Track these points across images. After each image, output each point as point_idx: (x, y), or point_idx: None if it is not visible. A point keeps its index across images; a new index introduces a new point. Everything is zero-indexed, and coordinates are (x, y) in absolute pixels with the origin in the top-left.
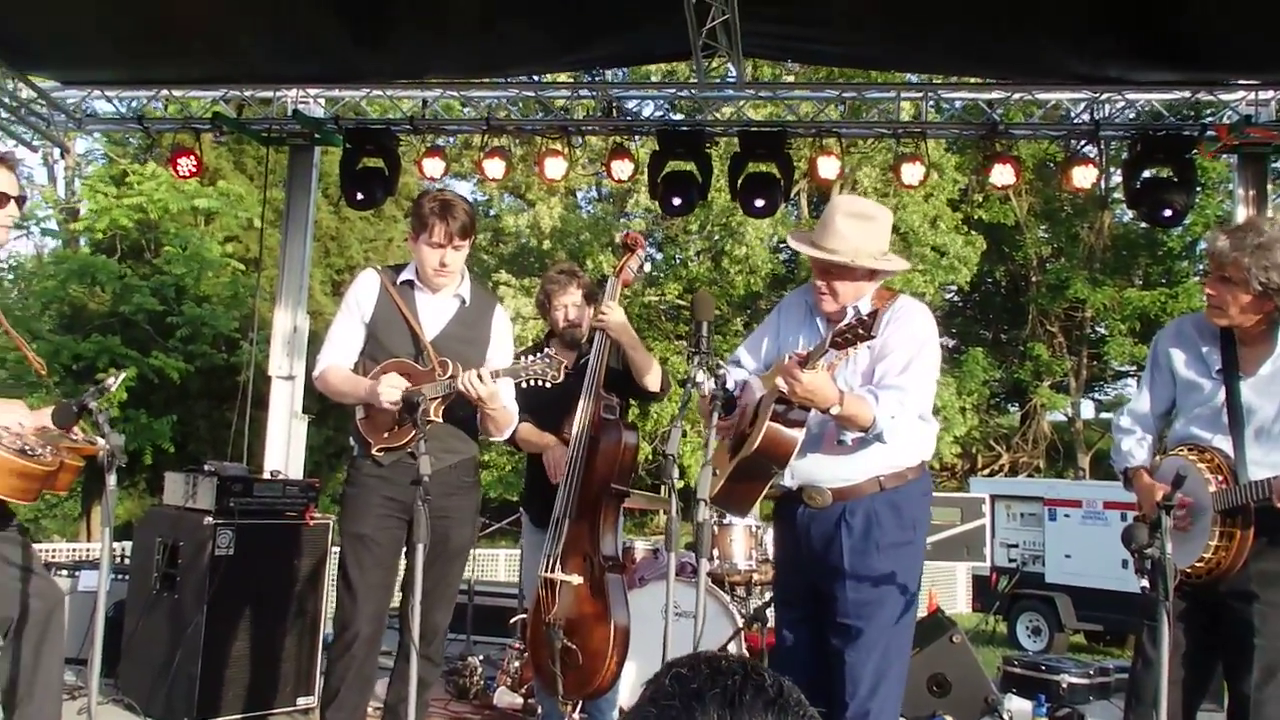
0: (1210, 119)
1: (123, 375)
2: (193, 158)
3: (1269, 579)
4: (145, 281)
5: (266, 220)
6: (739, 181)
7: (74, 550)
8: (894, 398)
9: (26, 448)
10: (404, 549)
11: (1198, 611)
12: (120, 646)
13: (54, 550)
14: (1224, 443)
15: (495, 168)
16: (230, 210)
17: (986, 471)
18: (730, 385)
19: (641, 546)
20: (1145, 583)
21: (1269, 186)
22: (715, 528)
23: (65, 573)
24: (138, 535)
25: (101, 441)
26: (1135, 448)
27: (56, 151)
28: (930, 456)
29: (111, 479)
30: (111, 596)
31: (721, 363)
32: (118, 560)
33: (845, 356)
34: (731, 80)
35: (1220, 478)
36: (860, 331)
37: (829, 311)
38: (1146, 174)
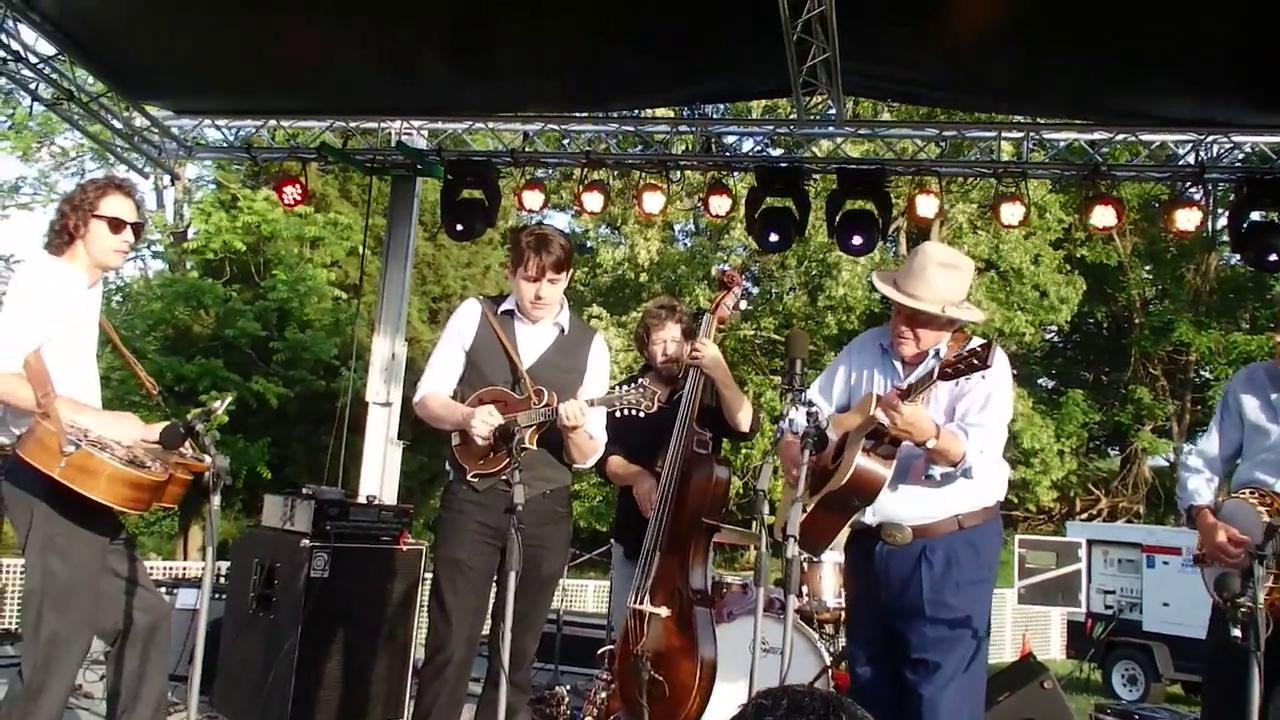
0: None
1: (228, 399)
2: (298, 186)
3: None
4: (249, 306)
5: (366, 247)
6: (837, 219)
7: (169, 569)
8: (979, 434)
9: (136, 459)
10: (496, 575)
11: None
12: (216, 664)
13: (151, 569)
14: None
15: (594, 201)
16: (336, 239)
17: (1084, 516)
18: (823, 423)
19: (731, 581)
20: (1238, 632)
21: None
22: (805, 565)
23: (164, 590)
24: (235, 556)
25: (209, 460)
26: (1202, 487)
27: (167, 178)
28: (1003, 497)
29: (216, 499)
30: (209, 615)
31: (815, 401)
32: (216, 580)
33: (931, 392)
34: (831, 117)
35: (1278, 520)
36: (975, 362)
37: (909, 356)
38: (1253, 217)
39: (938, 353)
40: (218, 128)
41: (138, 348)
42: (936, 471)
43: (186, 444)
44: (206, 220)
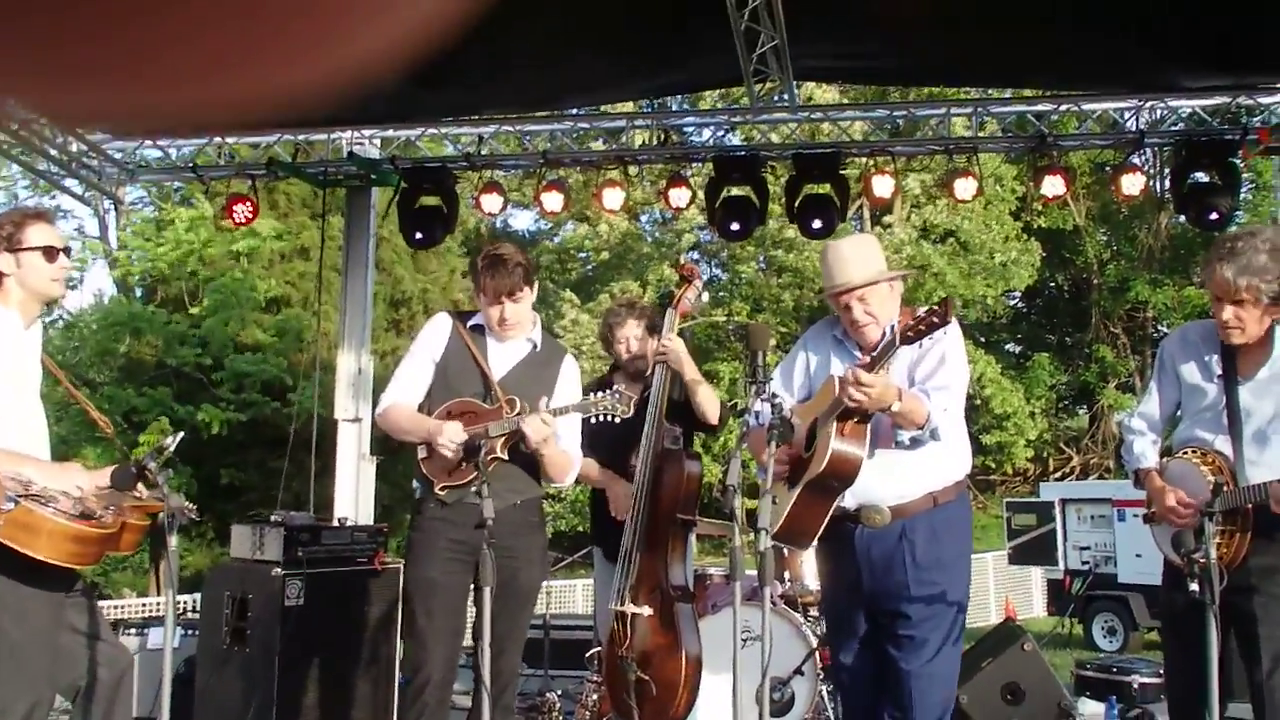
0: (1253, 121)
1: (179, 436)
2: (249, 204)
3: (1267, 572)
4: (194, 331)
5: (311, 258)
6: (796, 204)
7: (144, 605)
8: (941, 395)
9: (86, 511)
10: (471, 593)
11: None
12: (193, 704)
13: (124, 606)
14: (1225, 445)
15: (554, 201)
16: (265, 246)
17: (1058, 475)
18: (787, 413)
19: (715, 573)
20: (1194, 586)
21: None
22: (786, 550)
23: (134, 631)
24: (206, 590)
25: (165, 500)
26: (1148, 449)
27: (107, 202)
28: (970, 469)
29: (173, 540)
30: (182, 652)
31: (779, 391)
32: (187, 615)
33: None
34: (784, 104)
35: (1221, 479)
36: (935, 320)
37: (874, 337)
38: (1192, 179)
39: (893, 327)
40: (159, 147)
41: (90, 379)
42: (905, 436)
43: (139, 485)
44: (137, 244)
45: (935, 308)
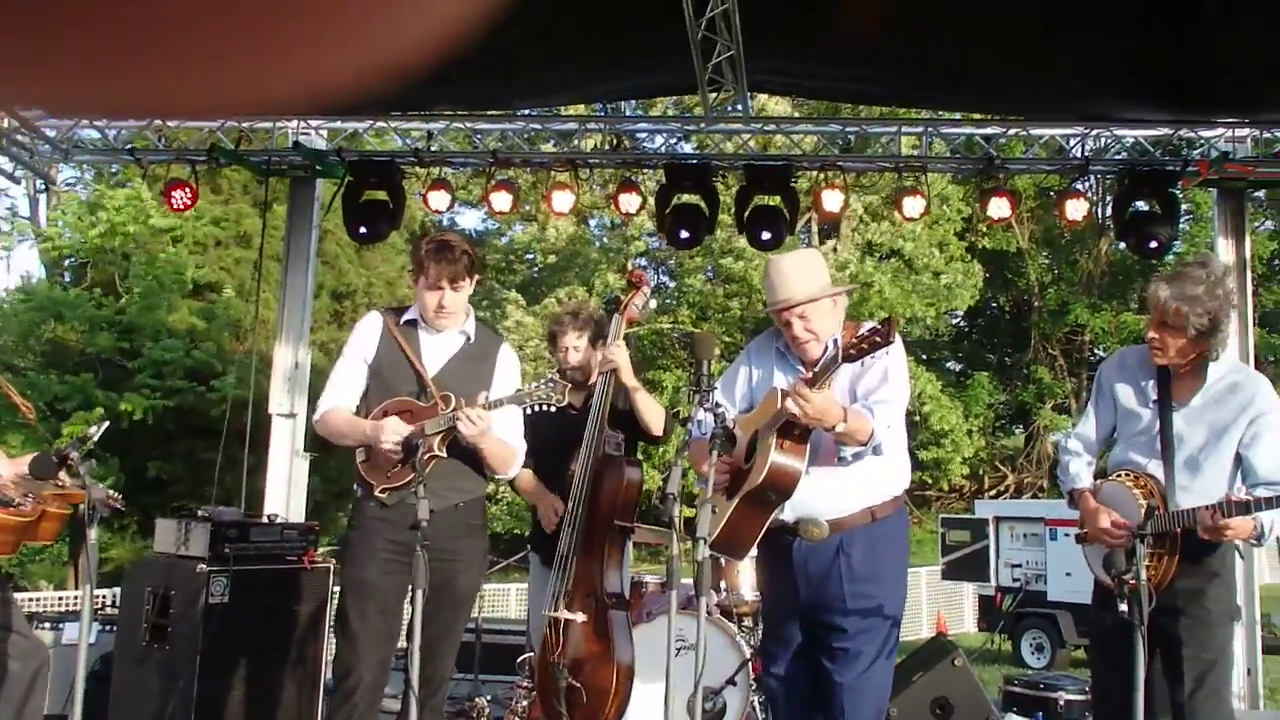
0: (1194, 153)
1: (104, 425)
2: (188, 190)
3: (1192, 595)
4: (120, 316)
5: (251, 245)
6: (745, 215)
7: (61, 599)
8: (884, 410)
9: (3, 498)
10: (407, 595)
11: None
12: (108, 703)
13: (40, 599)
14: (1157, 469)
15: (502, 200)
16: (189, 227)
17: (993, 492)
18: (729, 423)
19: (652, 580)
20: (1124, 607)
21: (1246, 218)
22: (723, 560)
23: (49, 625)
24: (126, 585)
25: (87, 490)
26: (1083, 470)
27: (39, 182)
28: (908, 485)
29: (93, 533)
30: (99, 649)
31: (721, 401)
32: (105, 610)
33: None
34: (738, 114)
35: (1152, 502)
36: (877, 340)
37: (815, 355)
38: (1133, 207)
39: (836, 342)
40: (96, 128)
41: (13, 364)
42: (848, 453)
43: (61, 474)
44: (66, 224)
45: (878, 326)
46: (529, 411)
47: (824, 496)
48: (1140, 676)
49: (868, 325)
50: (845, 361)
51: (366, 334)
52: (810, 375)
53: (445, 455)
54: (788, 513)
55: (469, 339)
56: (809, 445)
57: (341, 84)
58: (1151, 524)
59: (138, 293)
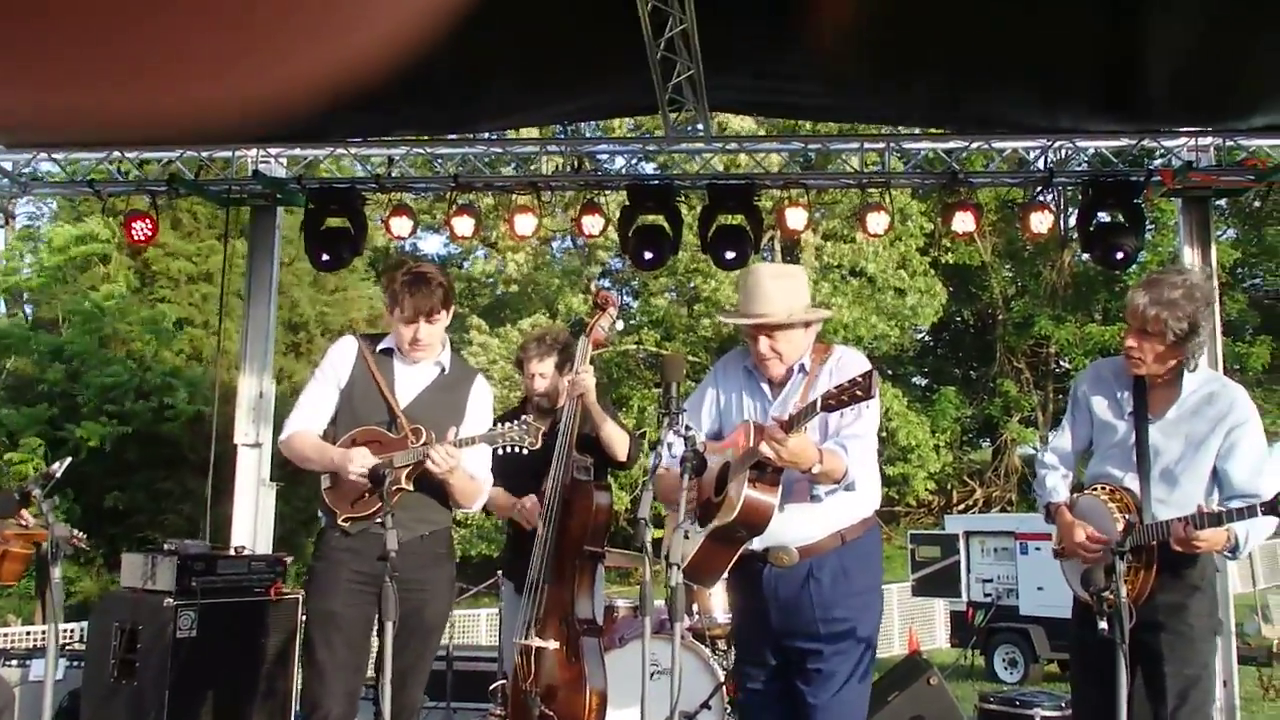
0: (1157, 163)
1: (67, 461)
2: (148, 221)
3: (1172, 610)
4: (69, 345)
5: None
6: (709, 234)
7: (29, 634)
8: (858, 446)
9: None
10: (375, 626)
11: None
12: None
13: (7, 635)
14: (1133, 482)
15: (465, 225)
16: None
17: (961, 507)
18: (700, 447)
19: (623, 605)
20: (1104, 625)
21: (1210, 226)
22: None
23: (16, 662)
24: (93, 620)
25: (49, 528)
26: (1059, 484)
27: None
28: (878, 505)
29: (57, 572)
30: (67, 685)
31: (692, 425)
32: (73, 646)
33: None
34: (699, 134)
35: (1129, 515)
36: (858, 394)
37: (777, 376)
38: (1100, 218)
39: (803, 367)
40: (55, 161)
41: None
42: (821, 491)
43: (23, 512)
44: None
45: (860, 379)
46: (500, 453)
47: (792, 525)
48: (1124, 696)
49: (849, 375)
50: (824, 411)
51: (340, 359)
52: (788, 419)
53: (411, 489)
54: (756, 542)
55: (444, 370)
56: (781, 485)
57: (290, 100)
58: (1131, 539)
59: (75, 323)
